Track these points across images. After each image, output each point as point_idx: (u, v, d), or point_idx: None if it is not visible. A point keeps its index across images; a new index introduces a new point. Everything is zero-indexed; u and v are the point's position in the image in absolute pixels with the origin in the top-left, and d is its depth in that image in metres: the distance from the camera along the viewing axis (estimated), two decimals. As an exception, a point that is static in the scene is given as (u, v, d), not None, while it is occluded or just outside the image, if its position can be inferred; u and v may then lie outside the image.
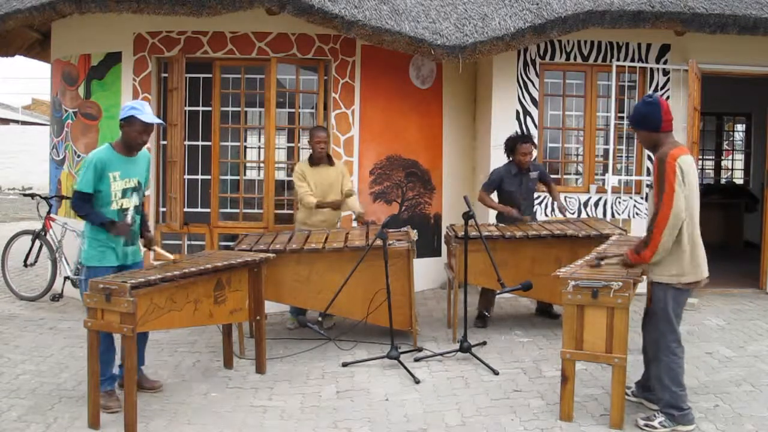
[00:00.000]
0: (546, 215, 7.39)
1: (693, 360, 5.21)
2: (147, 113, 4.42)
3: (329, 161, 6.33)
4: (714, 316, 6.65)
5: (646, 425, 4.02)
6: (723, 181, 13.00)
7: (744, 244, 10.70)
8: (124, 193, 4.47)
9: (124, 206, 4.48)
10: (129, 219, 4.46)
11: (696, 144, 7.51)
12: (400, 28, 6.61)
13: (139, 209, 4.62)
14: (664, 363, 4.04)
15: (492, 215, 6.76)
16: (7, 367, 5.10)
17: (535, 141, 6.73)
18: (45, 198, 7.58)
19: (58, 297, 7.22)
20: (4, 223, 14.31)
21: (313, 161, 6.26)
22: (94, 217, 4.38)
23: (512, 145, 6.34)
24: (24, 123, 28.67)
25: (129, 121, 4.40)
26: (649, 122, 4.05)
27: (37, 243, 7.41)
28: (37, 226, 7.80)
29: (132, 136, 4.43)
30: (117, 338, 4.23)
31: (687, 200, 3.91)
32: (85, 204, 4.40)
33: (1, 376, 4.90)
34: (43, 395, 4.55)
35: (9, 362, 5.20)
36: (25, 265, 7.50)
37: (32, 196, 7.73)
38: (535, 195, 6.74)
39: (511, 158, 6.39)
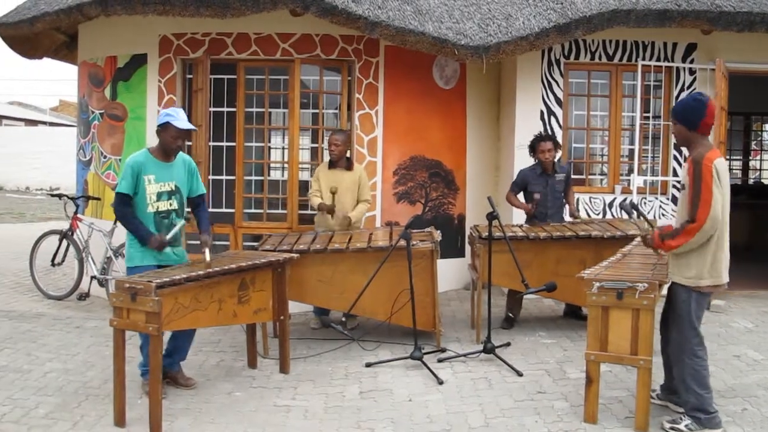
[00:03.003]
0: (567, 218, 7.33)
1: (720, 363, 5.15)
2: (181, 120, 4.63)
3: (348, 165, 6.30)
4: (741, 318, 6.56)
5: (672, 428, 3.97)
6: (751, 181, 12.82)
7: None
8: (159, 196, 4.62)
9: (160, 209, 4.63)
10: (167, 235, 4.58)
11: (723, 144, 7.40)
12: (424, 28, 6.60)
13: (180, 213, 4.74)
14: (688, 366, 3.99)
15: (517, 216, 6.72)
16: (35, 364, 5.17)
17: (559, 141, 6.71)
18: (72, 198, 7.68)
19: (84, 296, 7.31)
20: (32, 222, 14.52)
21: (331, 163, 6.28)
22: (133, 227, 4.55)
23: (534, 144, 6.42)
24: (52, 124, 29.12)
25: (164, 127, 4.63)
26: (688, 119, 4.01)
27: (65, 243, 7.50)
28: (64, 226, 7.90)
29: (167, 141, 4.64)
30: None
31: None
32: (126, 208, 4.57)
33: (29, 373, 4.97)
34: (69, 393, 4.61)
35: (37, 360, 5.28)
36: (53, 265, 7.60)
37: (59, 196, 7.83)
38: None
39: (535, 158, 6.41)
